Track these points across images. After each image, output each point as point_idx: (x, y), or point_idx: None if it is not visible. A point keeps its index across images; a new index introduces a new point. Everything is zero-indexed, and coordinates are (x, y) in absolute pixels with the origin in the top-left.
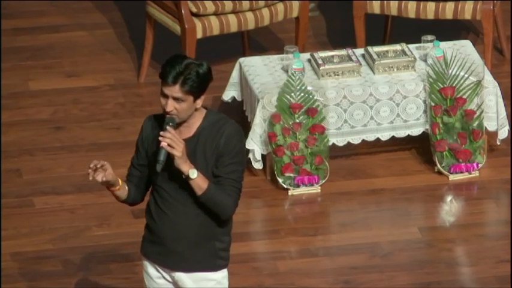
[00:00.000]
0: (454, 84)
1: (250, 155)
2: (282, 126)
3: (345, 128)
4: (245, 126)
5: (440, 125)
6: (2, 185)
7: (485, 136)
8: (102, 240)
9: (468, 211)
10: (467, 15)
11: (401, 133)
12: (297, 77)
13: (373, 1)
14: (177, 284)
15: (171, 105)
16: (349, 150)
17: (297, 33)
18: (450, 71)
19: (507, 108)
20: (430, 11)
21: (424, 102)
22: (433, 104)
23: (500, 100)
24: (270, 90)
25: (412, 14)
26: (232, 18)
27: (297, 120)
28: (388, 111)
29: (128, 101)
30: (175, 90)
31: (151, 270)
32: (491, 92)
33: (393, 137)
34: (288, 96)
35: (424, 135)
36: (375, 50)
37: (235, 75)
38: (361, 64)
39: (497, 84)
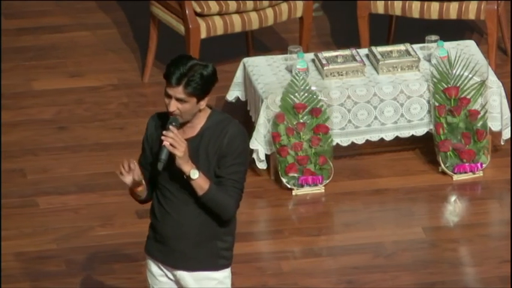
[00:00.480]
0: (458, 85)
1: (254, 155)
2: (286, 126)
3: (348, 128)
4: (249, 126)
5: (444, 125)
6: (5, 185)
7: (489, 136)
8: (105, 240)
9: (472, 211)
10: (471, 15)
11: (405, 133)
12: (301, 77)
13: (377, 1)
14: (179, 282)
15: (174, 106)
16: (353, 150)
17: (301, 33)
18: (454, 71)
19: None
20: (434, 11)
21: (428, 102)
22: (437, 104)
23: (505, 100)
24: (274, 90)
25: (416, 14)
26: (236, 18)
27: (301, 120)
28: (392, 111)
29: (131, 101)
30: (178, 91)
31: (154, 268)
32: (495, 92)
33: (397, 137)
34: (292, 96)
35: (428, 136)
36: (379, 50)
37: (239, 75)
38: (365, 64)
39: (501, 84)
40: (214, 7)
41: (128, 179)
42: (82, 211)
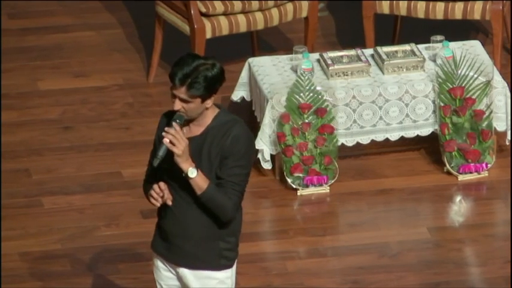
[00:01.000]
0: (463, 85)
1: (259, 155)
2: (291, 126)
3: (354, 128)
4: (254, 127)
5: (450, 125)
6: (10, 185)
7: (494, 136)
8: (110, 240)
9: (477, 211)
10: (477, 15)
11: (411, 133)
12: (306, 77)
13: (383, 1)
14: (181, 279)
15: (178, 105)
16: (358, 150)
17: (306, 33)
18: (459, 71)
19: None
20: (439, 11)
21: (433, 102)
22: (442, 104)
23: (510, 100)
24: (279, 90)
25: (421, 14)
26: (241, 18)
27: (306, 121)
28: (397, 112)
29: (136, 101)
30: (181, 91)
31: (160, 263)
32: (501, 92)
33: (402, 137)
34: (297, 96)
35: (433, 136)
36: (384, 50)
37: (244, 75)
38: (370, 64)
39: (506, 84)
40: (219, 7)
41: (159, 202)
42: (87, 211)
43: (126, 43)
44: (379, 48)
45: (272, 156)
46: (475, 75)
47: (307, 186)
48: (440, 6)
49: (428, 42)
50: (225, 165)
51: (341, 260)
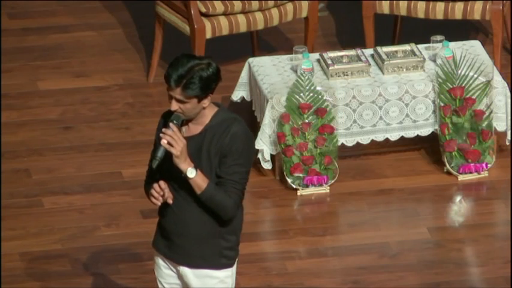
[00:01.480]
0: (463, 85)
1: (259, 155)
2: (291, 127)
3: (354, 128)
4: (254, 127)
5: (450, 125)
6: (11, 185)
7: (494, 136)
8: (110, 240)
9: (477, 211)
10: (477, 16)
11: (411, 133)
12: (306, 77)
13: (383, 1)
14: (182, 278)
15: (175, 105)
16: (358, 150)
17: (306, 33)
18: (459, 71)
19: None
20: (439, 11)
21: (433, 102)
22: (442, 104)
23: (510, 100)
24: (279, 91)
25: (421, 14)
26: (241, 18)
27: (306, 121)
28: (397, 112)
29: (136, 101)
30: (177, 92)
31: (160, 261)
32: (501, 92)
33: (402, 137)
34: (297, 96)
35: (433, 136)
36: (384, 50)
37: (244, 75)
38: (370, 64)
39: (506, 84)
40: (219, 7)
41: (160, 201)
42: (87, 211)
43: (126, 43)
44: (379, 48)
45: (272, 156)
46: (475, 75)
47: (307, 186)
48: (440, 6)
49: (428, 42)
50: (224, 164)
51: (341, 260)
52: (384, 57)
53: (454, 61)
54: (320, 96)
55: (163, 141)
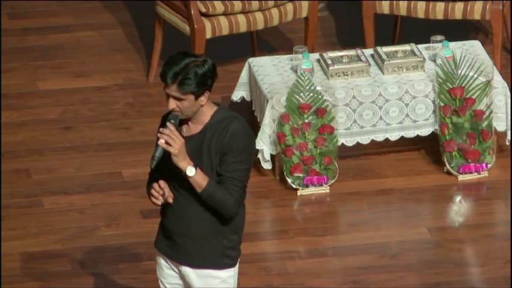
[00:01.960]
0: (463, 85)
1: (259, 155)
2: (291, 127)
3: (354, 128)
4: (254, 127)
5: (450, 125)
6: (11, 185)
7: (494, 136)
8: (110, 240)
9: (477, 211)
10: (477, 16)
11: (411, 133)
12: (306, 77)
13: (383, 1)
14: (184, 278)
15: (172, 104)
16: (358, 150)
17: (306, 33)
18: (459, 71)
19: None
20: (439, 11)
21: (433, 102)
22: (442, 104)
23: (510, 100)
24: (279, 91)
25: (421, 14)
26: (241, 18)
27: (306, 121)
28: (397, 112)
29: (136, 101)
30: (173, 89)
31: (162, 262)
32: (501, 92)
33: (402, 137)
34: (297, 96)
35: (433, 136)
36: (384, 50)
37: (244, 75)
38: (370, 64)
39: (506, 84)
40: (219, 7)
41: (160, 200)
42: (87, 211)
43: (126, 43)
44: (379, 48)
45: (272, 156)
46: (475, 75)
47: (307, 186)
48: (440, 6)
49: (428, 42)
50: (225, 162)
51: (341, 260)
52: (384, 57)
53: (454, 61)
54: (320, 96)
55: (161, 141)
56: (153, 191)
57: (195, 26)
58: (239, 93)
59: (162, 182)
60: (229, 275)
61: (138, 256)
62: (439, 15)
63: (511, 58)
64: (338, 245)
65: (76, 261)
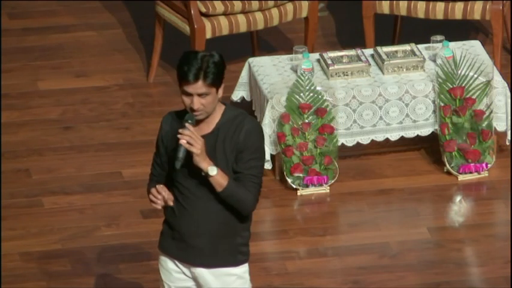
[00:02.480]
0: (463, 85)
1: None
2: (291, 127)
3: (354, 128)
4: None
5: (450, 125)
6: (11, 185)
7: (494, 136)
8: (111, 240)
9: (477, 211)
10: (477, 16)
11: (411, 133)
12: (306, 77)
13: (383, 1)
14: (197, 279)
15: (198, 102)
16: (358, 150)
17: (306, 33)
18: (459, 71)
19: None
20: (439, 11)
21: (433, 102)
22: (442, 104)
23: (510, 100)
24: (279, 91)
25: (421, 14)
26: (241, 18)
27: (306, 121)
28: (397, 112)
29: (137, 101)
30: (198, 86)
31: (170, 265)
32: (501, 92)
33: (402, 137)
34: (297, 96)
35: (433, 136)
36: (384, 50)
37: (244, 75)
38: (370, 64)
39: (506, 84)
40: (219, 7)
41: (160, 204)
42: (87, 211)
43: (126, 43)
44: (379, 48)
45: (272, 156)
46: (475, 75)
47: (307, 186)
48: (440, 6)
49: (428, 42)
50: (241, 159)
51: (341, 260)
52: (384, 57)
53: (454, 61)
54: (320, 96)
55: (183, 141)
56: (151, 197)
57: (195, 26)
58: (239, 93)
59: (160, 187)
60: (244, 270)
61: (138, 256)
62: (439, 15)
63: (511, 58)
64: (338, 245)
65: (76, 261)
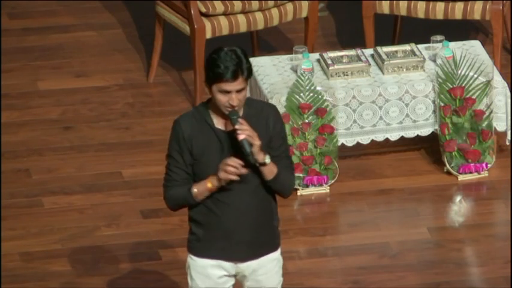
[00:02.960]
0: (463, 85)
1: None
2: (291, 127)
3: (354, 128)
4: None
5: (450, 125)
6: (11, 185)
7: (494, 136)
8: (111, 240)
9: (477, 211)
10: (477, 16)
11: (411, 133)
12: (306, 77)
13: (383, 1)
14: (243, 272)
15: (237, 99)
16: (358, 150)
17: (306, 33)
18: (459, 71)
19: None
20: (439, 11)
21: (433, 102)
22: (442, 104)
23: (510, 100)
24: (279, 91)
25: (421, 14)
26: (241, 18)
27: (306, 121)
28: (397, 112)
29: (137, 101)
30: (238, 82)
31: (214, 271)
32: (501, 92)
33: (402, 137)
34: (297, 97)
35: (433, 136)
36: (384, 50)
37: None
38: (370, 64)
39: (506, 84)
40: (219, 7)
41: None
42: (88, 211)
43: (126, 43)
44: (379, 48)
45: None
46: (475, 75)
47: (307, 186)
48: (440, 6)
49: (428, 42)
50: (276, 144)
51: (341, 260)
52: (384, 57)
53: (454, 61)
54: (320, 96)
55: (243, 136)
56: (230, 169)
57: (195, 26)
58: None
59: (229, 159)
60: (280, 251)
61: (139, 256)
62: (439, 15)
63: (511, 58)
64: (338, 245)
65: (76, 261)
